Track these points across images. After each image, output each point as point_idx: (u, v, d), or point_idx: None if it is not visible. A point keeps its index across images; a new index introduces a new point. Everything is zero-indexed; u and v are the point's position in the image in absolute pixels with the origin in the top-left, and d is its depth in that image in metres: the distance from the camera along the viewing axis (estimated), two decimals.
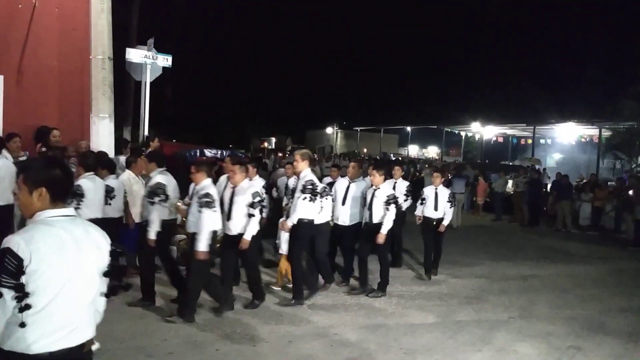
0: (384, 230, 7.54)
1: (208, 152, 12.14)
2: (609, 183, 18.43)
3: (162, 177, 6.75)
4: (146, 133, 10.25)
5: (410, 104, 54.47)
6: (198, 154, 11.27)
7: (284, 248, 7.71)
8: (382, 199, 7.58)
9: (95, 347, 2.71)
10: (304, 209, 6.97)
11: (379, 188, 7.68)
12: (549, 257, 11.65)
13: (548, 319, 7.13)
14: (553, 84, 47.34)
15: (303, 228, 7.10)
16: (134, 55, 10.01)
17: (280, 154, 28.40)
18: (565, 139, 29.88)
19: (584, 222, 15.95)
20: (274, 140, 57.25)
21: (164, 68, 10.51)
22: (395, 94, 61.53)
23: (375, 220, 7.65)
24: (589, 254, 12.36)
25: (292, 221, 7.02)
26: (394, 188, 9.06)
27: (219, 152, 13.61)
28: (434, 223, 9.01)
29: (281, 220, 7.38)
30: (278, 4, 67.40)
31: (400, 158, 38.41)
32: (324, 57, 74.73)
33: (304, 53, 71.63)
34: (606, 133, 23.70)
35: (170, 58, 10.28)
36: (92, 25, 8.19)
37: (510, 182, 18.83)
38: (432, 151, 53.64)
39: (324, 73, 69.96)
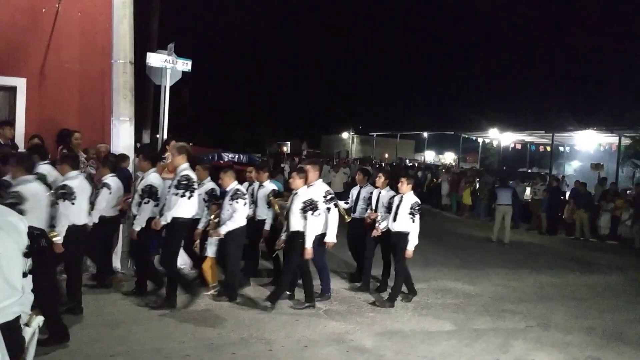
0: (308, 244, 6.88)
1: (225, 156, 12.21)
2: (627, 192, 18.18)
3: (42, 169, 6.48)
4: (165, 136, 10.31)
5: (427, 110, 54.33)
6: (216, 157, 11.33)
7: (209, 251, 7.48)
8: (298, 205, 6.99)
9: (39, 320, 3.13)
10: (178, 207, 6.59)
11: (297, 193, 7.08)
12: (567, 266, 11.53)
13: (566, 329, 7.06)
14: (572, 91, 46.97)
15: (178, 227, 6.73)
16: (154, 59, 10.07)
17: (296, 159, 28.40)
18: (584, 147, 29.53)
19: (603, 232, 15.75)
20: (289, 144, 57.40)
21: (183, 72, 10.58)
22: (412, 100, 61.47)
23: (292, 228, 7.04)
24: (608, 263, 12.21)
25: (165, 220, 6.64)
26: (377, 199, 8.26)
27: (236, 155, 13.68)
28: (391, 236, 7.78)
29: (155, 219, 6.89)
30: (296, 9, 67.68)
31: (415, 164, 38.26)
32: (341, 61, 74.94)
33: (321, 57, 71.88)
34: (626, 141, 23.39)
35: (189, 63, 10.32)
36: (114, 30, 8.29)
37: (528, 190, 18.67)
38: (449, 157, 53.31)
39: (341, 78, 70.15)
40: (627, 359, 6.15)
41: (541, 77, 57.88)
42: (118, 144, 8.28)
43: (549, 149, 29.46)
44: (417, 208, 7.56)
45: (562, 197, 17.68)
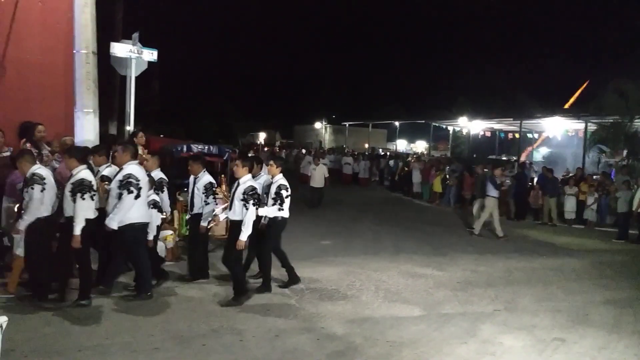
0: (75, 230, 6.17)
1: (195, 147, 12.06)
2: (594, 177, 18.59)
3: None
4: (132, 128, 10.18)
5: (399, 99, 54.60)
6: (185, 149, 11.19)
7: (18, 249, 6.67)
8: (67, 188, 6.32)
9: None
10: None
11: (71, 175, 6.42)
12: (535, 250, 11.74)
13: (533, 312, 7.20)
14: (539, 78, 47.69)
15: None
16: (119, 49, 9.92)
17: (267, 149, 28.19)
18: (551, 133, 30.07)
19: (569, 216, 16.09)
20: (262, 135, 57.17)
21: (149, 62, 10.43)
22: (384, 89, 61.57)
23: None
24: (574, 247, 12.47)
25: None
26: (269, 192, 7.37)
27: (206, 147, 13.55)
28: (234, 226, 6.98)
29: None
30: (268, 1, 67.20)
31: (388, 153, 38.47)
32: (313, 51, 74.75)
33: (292, 48, 71.63)
34: (592, 127, 23.89)
35: (155, 52, 10.20)
36: (76, 19, 8.11)
37: None
38: (421, 146, 53.73)
39: (313, 68, 70.04)
40: (591, 339, 6.29)
41: (510, 65, 58.62)
42: (82, 136, 8.12)
43: (517, 136, 29.93)
44: (250, 193, 6.79)
45: (529, 183, 17.99)
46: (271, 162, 7.56)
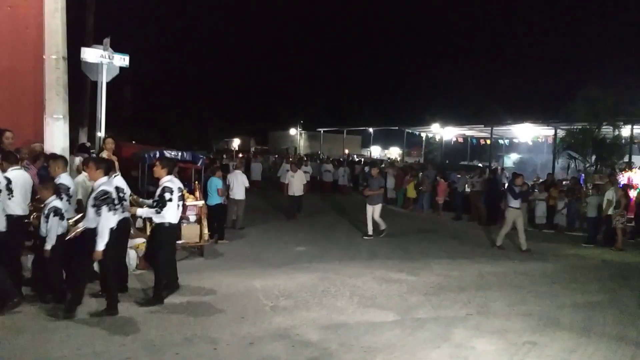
0: None
1: (167, 153, 11.97)
2: (564, 182, 18.95)
3: None
4: (103, 134, 10.05)
5: (373, 106, 55.01)
6: (157, 155, 11.08)
7: None
8: None
9: None
10: None
11: None
12: (506, 254, 11.90)
13: (505, 315, 7.30)
14: (509, 86, 48.53)
15: None
16: (90, 54, 9.81)
17: (241, 155, 27.97)
18: (522, 140, 30.61)
19: (540, 221, 16.36)
20: (236, 141, 56.96)
21: (121, 68, 10.33)
22: (359, 96, 61.99)
23: None
24: (544, 251, 12.66)
25: None
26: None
27: (179, 153, 13.44)
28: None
29: None
30: (242, 3, 67.14)
31: (362, 159, 38.65)
32: (287, 58, 74.87)
33: (267, 54, 71.60)
34: (561, 133, 24.37)
35: (127, 58, 10.11)
36: (46, 24, 7.98)
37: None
38: (395, 152, 54.15)
39: (287, 74, 70.11)
40: (561, 342, 6.39)
41: (480, 73, 59.58)
42: (52, 142, 7.98)
43: (489, 142, 30.38)
44: (102, 198, 6.17)
45: (501, 189, 18.21)
46: (157, 163, 7.11)
